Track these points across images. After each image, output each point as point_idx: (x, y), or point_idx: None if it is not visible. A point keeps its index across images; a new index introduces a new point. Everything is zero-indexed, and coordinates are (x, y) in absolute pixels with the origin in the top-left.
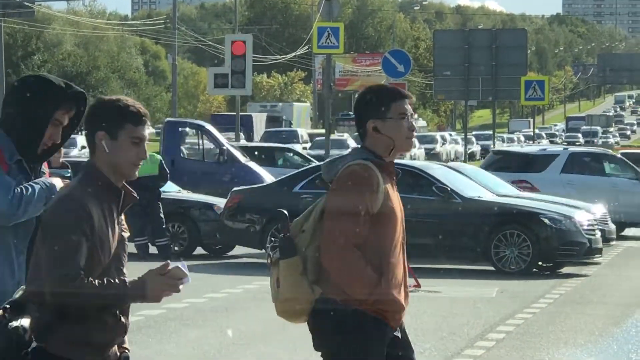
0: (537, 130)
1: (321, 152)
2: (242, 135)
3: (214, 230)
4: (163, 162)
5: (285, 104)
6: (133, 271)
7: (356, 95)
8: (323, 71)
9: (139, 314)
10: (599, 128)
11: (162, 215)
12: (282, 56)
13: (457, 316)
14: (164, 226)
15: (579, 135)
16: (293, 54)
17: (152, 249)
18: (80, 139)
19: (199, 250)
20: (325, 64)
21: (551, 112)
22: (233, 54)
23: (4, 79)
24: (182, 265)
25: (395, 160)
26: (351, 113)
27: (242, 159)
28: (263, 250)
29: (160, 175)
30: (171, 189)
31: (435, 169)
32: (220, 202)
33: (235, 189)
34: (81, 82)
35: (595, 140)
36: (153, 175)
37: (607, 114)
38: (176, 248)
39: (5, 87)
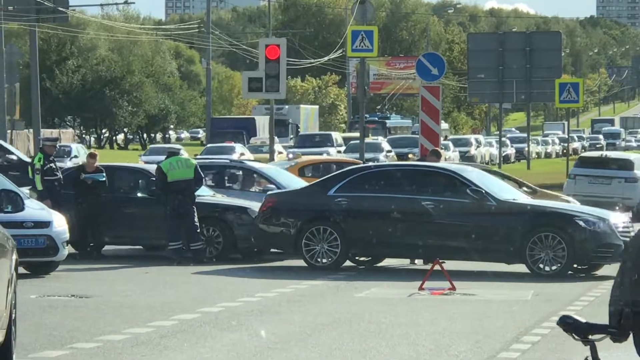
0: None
1: (356, 155)
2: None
3: (249, 234)
4: (198, 166)
5: (292, 107)
6: (165, 276)
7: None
8: (357, 74)
9: (173, 318)
10: (621, 130)
11: (196, 220)
12: (316, 60)
13: (492, 319)
14: (198, 230)
15: (601, 137)
16: (327, 58)
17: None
18: (75, 147)
19: (234, 254)
20: (360, 68)
21: (586, 115)
22: (267, 58)
23: (39, 84)
24: None
25: (430, 163)
26: (367, 115)
27: None
28: (298, 254)
29: (195, 179)
30: (206, 193)
31: (470, 172)
32: (254, 205)
33: (269, 192)
34: (115, 86)
35: (617, 143)
36: (188, 179)
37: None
38: (211, 251)
39: (40, 92)
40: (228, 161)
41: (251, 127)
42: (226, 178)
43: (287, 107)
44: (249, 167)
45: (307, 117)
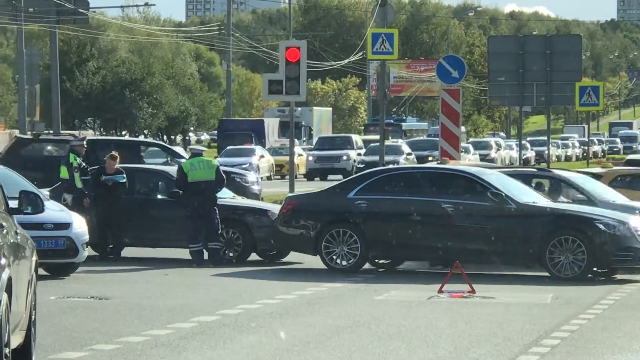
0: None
1: (375, 158)
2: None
3: (268, 236)
4: (220, 167)
5: (305, 109)
6: (184, 278)
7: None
8: (377, 77)
9: (193, 320)
10: (638, 133)
11: (217, 220)
12: (336, 62)
13: (512, 322)
14: (218, 231)
15: (618, 140)
16: (347, 60)
17: (207, 255)
18: None
19: (254, 257)
20: (380, 70)
21: (606, 118)
22: (287, 60)
23: (59, 86)
24: None
25: (449, 166)
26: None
27: None
28: (317, 257)
29: (217, 180)
30: (225, 195)
31: (489, 175)
32: (274, 208)
33: (289, 194)
34: (135, 88)
35: (634, 146)
36: (209, 180)
37: None
38: (230, 254)
39: (60, 94)
40: (535, 170)
41: (260, 129)
42: (532, 186)
43: (300, 109)
44: (557, 176)
45: (320, 119)
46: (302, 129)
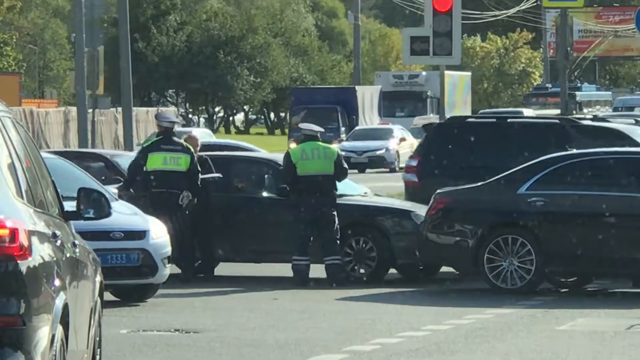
0: None
1: None
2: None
3: (412, 247)
4: (341, 157)
5: (431, 73)
6: (299, 304)
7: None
8: (557, 31)
9: (312, 359)
10: None
11: (336, 226)
12: (501, 12)
13: None
14: (338, 241)
15: None
16: (516, 9)
17: (317, 272)
18: None
19: (392, 274)
20: (560, 22)
21: None
22: (435, 10)
23: (129, 47)
24: None
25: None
26: (549, 85)
27: None
28: (478, 273)
29: (336, 174)
30: (354, 191)
31: None
32: (420, 208)
33: (440, 190)
34: (232, 50)
35: None
36: (326, 174)
37: None
38: (361, 270)
39: (130, 56)
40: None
41: (349, 102)
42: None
43: (424, 74)
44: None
45: (455, 88)
46: (427, 100)
